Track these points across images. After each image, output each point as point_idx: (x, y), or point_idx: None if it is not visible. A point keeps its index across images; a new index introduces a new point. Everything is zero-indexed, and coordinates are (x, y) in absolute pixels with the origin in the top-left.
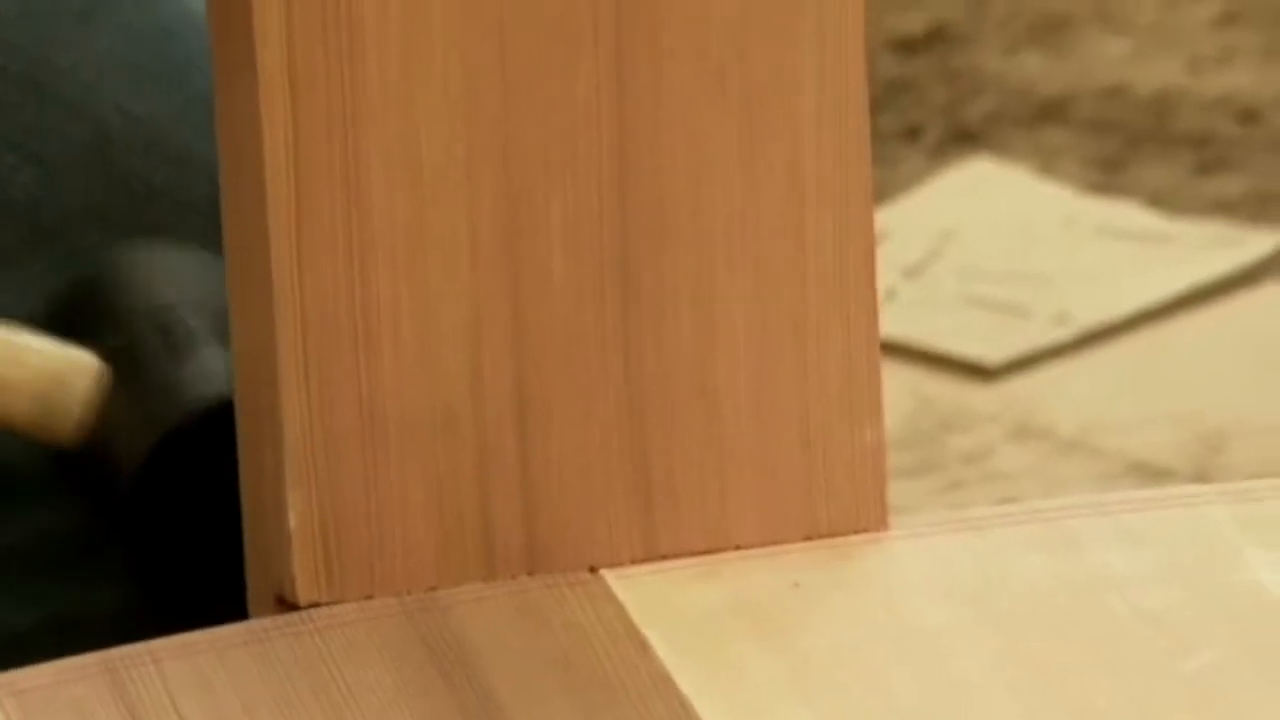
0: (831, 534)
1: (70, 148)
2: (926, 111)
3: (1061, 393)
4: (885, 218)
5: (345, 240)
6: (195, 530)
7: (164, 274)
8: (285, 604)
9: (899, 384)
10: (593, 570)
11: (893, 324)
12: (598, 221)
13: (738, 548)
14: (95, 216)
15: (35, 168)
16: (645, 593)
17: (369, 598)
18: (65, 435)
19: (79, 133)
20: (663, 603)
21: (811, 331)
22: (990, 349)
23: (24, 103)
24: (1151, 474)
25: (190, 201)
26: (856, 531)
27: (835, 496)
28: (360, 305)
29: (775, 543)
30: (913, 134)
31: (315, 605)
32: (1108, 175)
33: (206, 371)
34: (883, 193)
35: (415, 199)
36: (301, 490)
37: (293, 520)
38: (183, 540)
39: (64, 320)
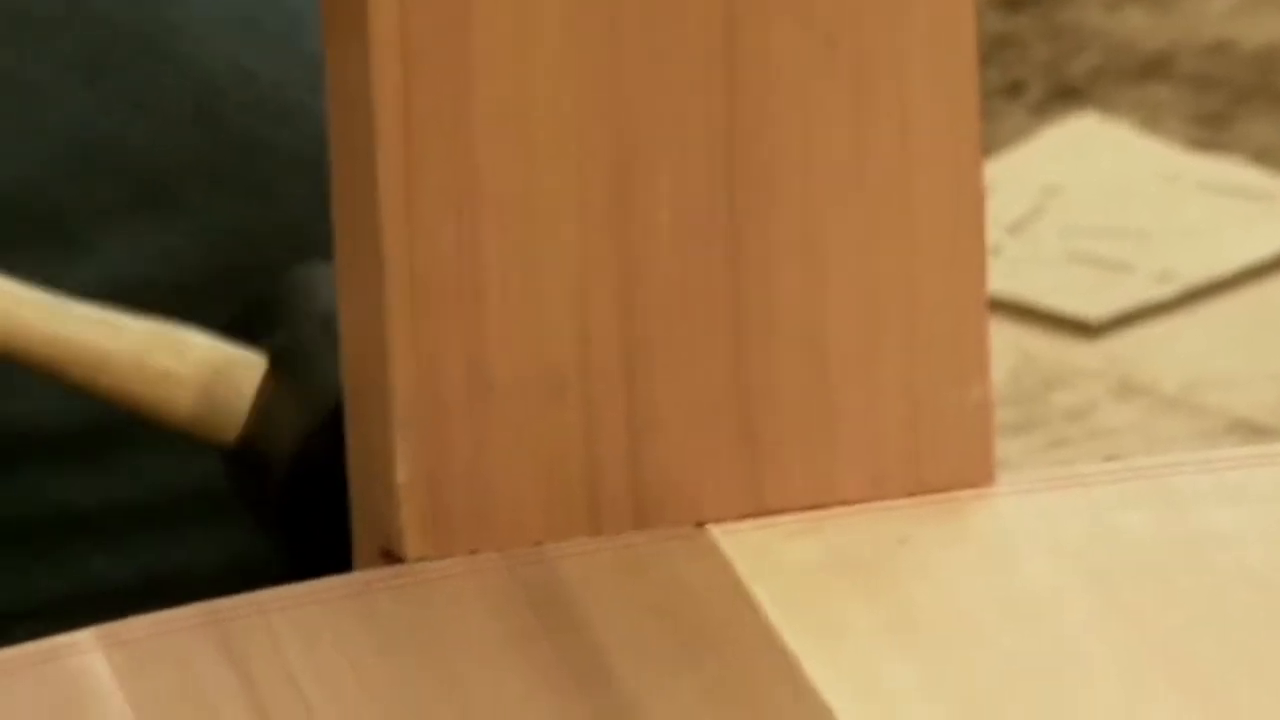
0: (938, 490)
1: (181, 103)
2: (1029, 67)
3: (1164, 350)
4: (988, 174)
5: (455, 200)
6: (343, 514)
7: (329, 287)
8: (391, 557)
9: (1002, 340)
10: (699, 525)
11: (996, 280)
12: (707, 181)
13: (844, 503)
14: (204, 172)
15: (146, 122)
16: (751, 547)
17: (474, 552)
18: (228, 431)
19: (189, 88)
20: (768, 557)
21: (920, 287)
22: (1093, 305)
23: (135, 57)
24: (1254, 431)
25: (299, 158)
26: (963, 487)
27: (942, 452)
28: (469, 265)
29: (881, 498)
30: (1015, 90)
31: (422, 559)
32: (1212, 132)
33: None
34: (985, 149)
35: (525, 159)
36: (409, 446)
37: (401, 475)
38: (334, 525)
39: (244, 327)
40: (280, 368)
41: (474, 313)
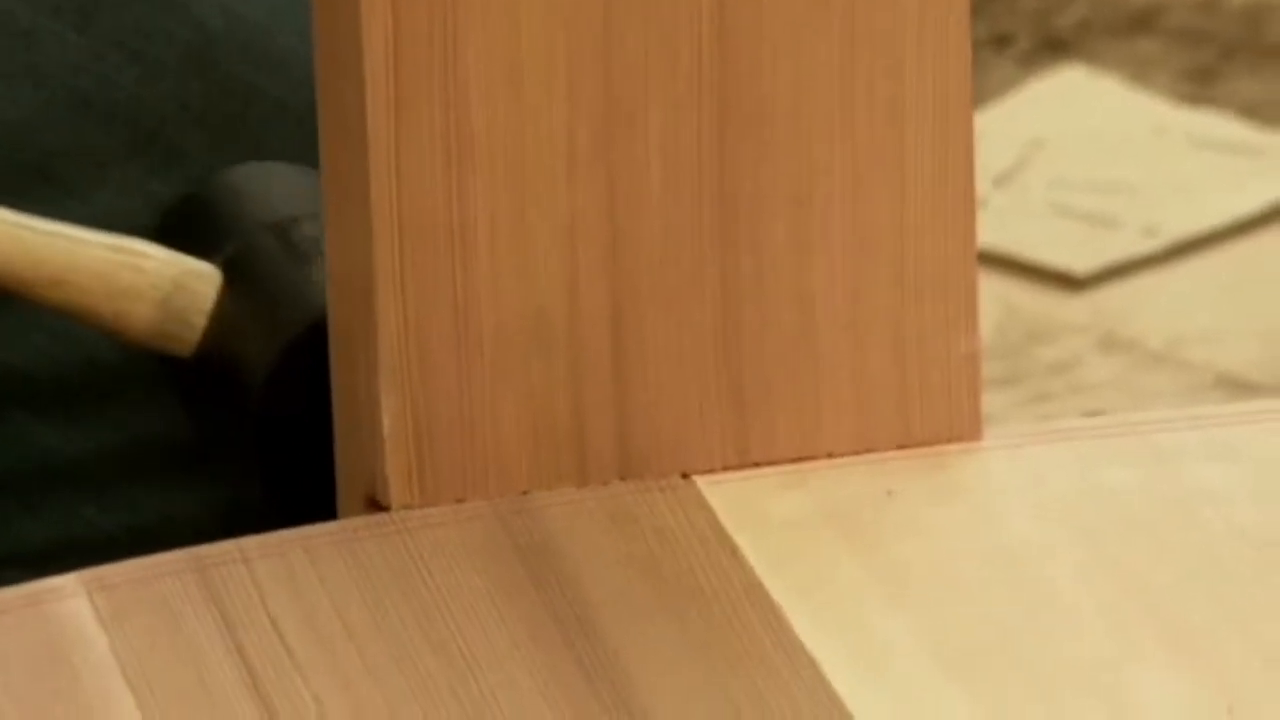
0: (925, 443)
1: (172, 48)
2: (1017, 19)
3: (1150, 304)
4: (975, 125)
5: (444, 146)
6: (323, 436)
7: (280, 188)
8: (376, 505)
9: (987, 293)
10: (685, 476)
11: (982, 233)
12: (696, 129)
13: (830, 455)
14: (195, 118)
15: (137, 67)
16: (737, 499)
17: (460, 501)
18: (186, 344)
19: (181, 33)
20: (754, 509)
21: (909, 238)
22: (1079, 259)
23: (127, 3)
24: (1239, 387)
25: (290, 105)
26: (950, 441)
27: (929, 405)
28: (457, 212)
29: (868, 451)
30: (1003, 42)
31: (407, 508)
32: (1199, 86)
33: None
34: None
35: (514, 106)
36: (395, 394)
37: (386, 423)
38: (312, 446)
39: (176, 232)
40: (240, 280)
41: (461, 260)
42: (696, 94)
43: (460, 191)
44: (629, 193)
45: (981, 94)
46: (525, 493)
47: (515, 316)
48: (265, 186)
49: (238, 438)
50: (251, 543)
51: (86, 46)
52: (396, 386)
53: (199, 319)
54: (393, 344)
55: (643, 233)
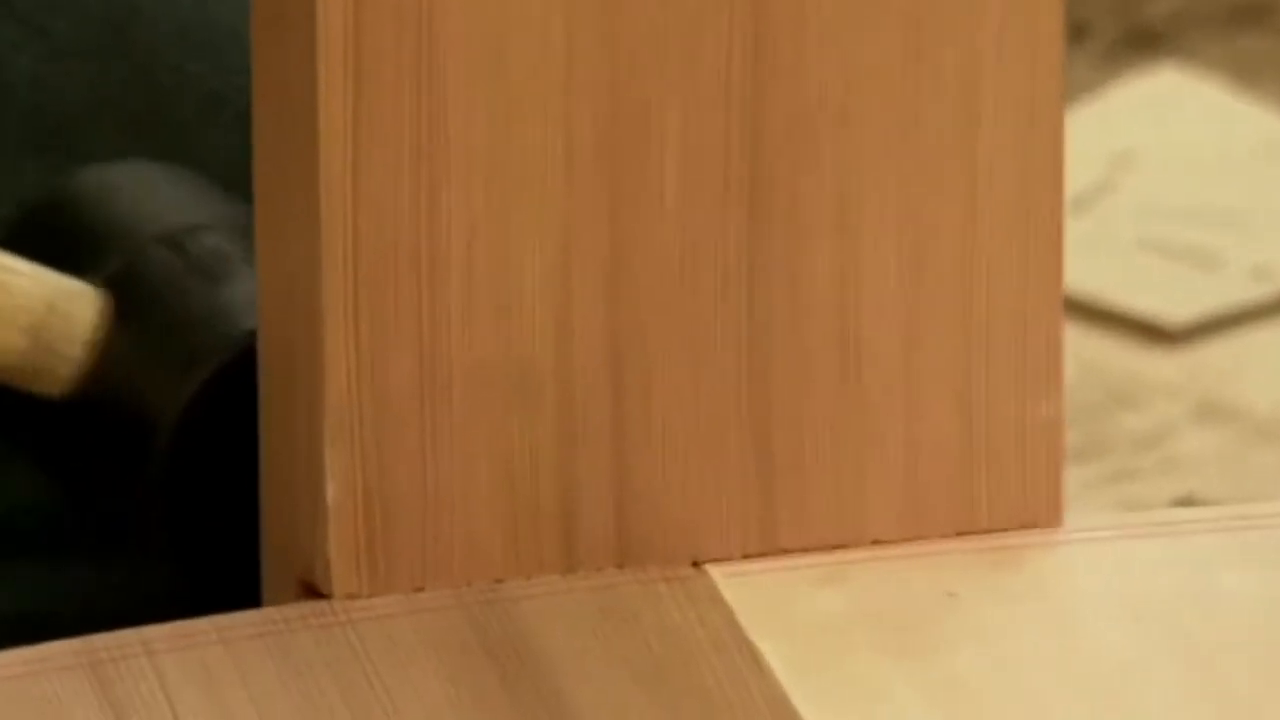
0: (993, 530)
1: (85, 25)
2: (1096, 6)
3: (1258, 364)
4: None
5: (412, 150)
6: (246, 500)
7: (166, 192)
8: (313, 592)
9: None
10: (696, 565)
11: None
12: (723, 132)
13: (876, 543)
14: (110, 110)
15: (41, 45)
16: (760, 595)
17: (419, 589)
18: (61, 378)
19: (97, 7)
20: (781, 608)
21: (980, 275)
22: (1172, 306)
23: None
24: None
25: (226, 96)
26: (1024, 528)
27: (1000, 483)
28: (426, 231)
29: (923, 539)
30: (1079, 34)
31: (353, 597)
32: None
33: (250, 301)
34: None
35: (499, 102)
36: (343, 455)
37: (331, 491)
38: (231, 511)
39: (34, 244)
40: (129, 303)
41: (429, 288)
42: (724, 88)
43: (430, 202)
44: (637, 211)
45: None
46: (499, 581)
47: (493, 360)
48: (146, 190)
49: (136, 500)
50: (157, 633)
51: None
52: (345, 444)
53: (76, 350)
54: (341, 391)
55: (653, 259)
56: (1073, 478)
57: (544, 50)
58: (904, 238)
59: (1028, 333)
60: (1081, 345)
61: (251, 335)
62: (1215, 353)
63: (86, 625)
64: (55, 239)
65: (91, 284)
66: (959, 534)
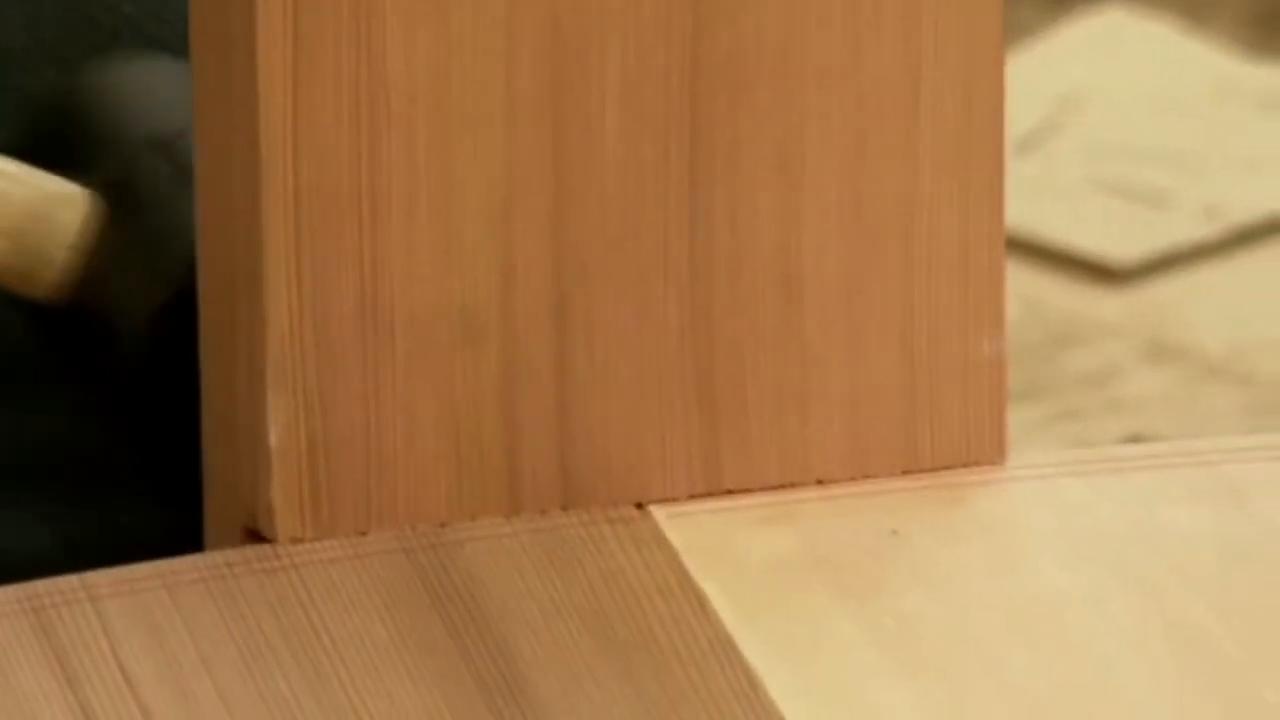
0: (937, 468)
1: None
2: None
3: (1206, 303)
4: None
5: (351, 90)
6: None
7: (165, 95)
8: (256, 536)
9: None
10: (640, 506)
11: None
12: (664, 72)
13: (820, 483)
14: (46, 52)
15: None
16: (705, 536)
17: (362, 533)
18: (47, 283)
19: None
20: (726, 549)
21: (922, 213)
22: (1120, 245)
23: None
24: None
25: (163, 39)
26: (967, 466)
27: (944, 421)
28: (367, 172)
29: (867, 477)
30: None
31: (296, 541)
32: (1269, 34)
33: None
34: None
35: (439, 42)
36: (286, 399)
37: (274, 436)
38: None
39: (37, 150)
40: (118, 208)
41: (371, 230)
42: (664, 28)
43: (371, 145)
44: (579, 150)
45: None
46: (443, 524)
47: (436, 303)
48: (151, 90)
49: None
50: (100, 578)
51: None
52: (287, 388)
53: (61, 254)
54: (283, 334)
55: (595, 200)
56: (1019, 418)
57: None
58: (845, 177)
59: (969, 271)
60: (1028, 286)
61: None
62: (1164, 292)
63: (36, 570)
64: (64, 140)
65: (88, 187)
66: (904, 472)
